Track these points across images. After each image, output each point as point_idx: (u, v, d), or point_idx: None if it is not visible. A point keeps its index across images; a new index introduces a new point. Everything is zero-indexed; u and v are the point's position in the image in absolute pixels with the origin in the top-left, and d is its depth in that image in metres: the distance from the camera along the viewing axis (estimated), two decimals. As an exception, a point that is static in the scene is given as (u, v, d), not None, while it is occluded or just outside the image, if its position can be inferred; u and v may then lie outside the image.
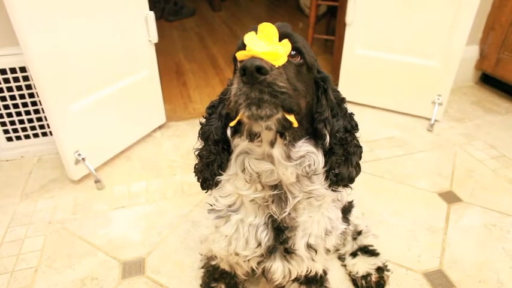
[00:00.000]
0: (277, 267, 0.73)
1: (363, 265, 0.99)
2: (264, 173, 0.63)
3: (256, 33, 0.55)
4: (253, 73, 0.49)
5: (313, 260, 0.73)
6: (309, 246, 0.71)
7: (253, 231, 0.70)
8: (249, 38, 0.54)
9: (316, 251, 0.72)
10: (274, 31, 0.55)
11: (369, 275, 0.98)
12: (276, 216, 0.67)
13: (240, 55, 0.53)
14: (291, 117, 0.54)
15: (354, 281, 1.00)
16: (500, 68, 1.91)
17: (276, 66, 0.52)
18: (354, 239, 1.03)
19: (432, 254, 1.07)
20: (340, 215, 0.75)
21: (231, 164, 0.67)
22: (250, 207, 0.68)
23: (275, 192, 0.65)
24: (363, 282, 0.97)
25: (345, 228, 0.79)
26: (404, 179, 1.38)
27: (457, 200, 1.27)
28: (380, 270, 0.99)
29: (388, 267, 1.00)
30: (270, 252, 0.71)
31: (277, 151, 0.61)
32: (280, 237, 0.69)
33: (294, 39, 0.59)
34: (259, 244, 0.70)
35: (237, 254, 0.73)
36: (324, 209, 0.71)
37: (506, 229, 1.16)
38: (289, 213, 0.67)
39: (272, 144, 0.61)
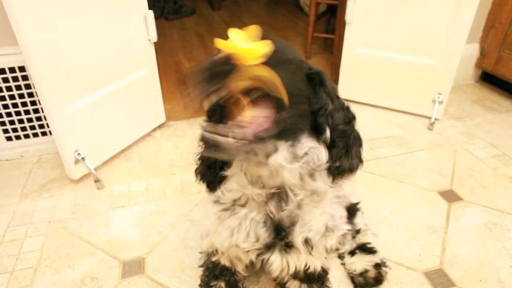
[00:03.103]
0: (275, 259, 0.73)
1: (360, 263, 1.00)
2: (264, 177, 0.63)
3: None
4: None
5: (311, 254, 0.73)
6: (308, 241, 0.71)
7: (254, 226, 0.70)
8: (234, 32, 0.54)
9: (312, 247, 0.72)
10: (258, 32, 0.54)
11: (366, 271, 0.98)
12: (272, 216, 0.67)
13: (222, 44, 0.53)
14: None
15: (352, 279, 1.00)
16: (501, 66, 1.90)
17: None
18: (353, 237, 1.04)
19: (432, 253, 1.07)
20: (344, 213, 0.75)
21: (234, 164, 0.67)
22: (253, 203, 0.69)
23: (275, 190, 0.65)
24: (360, 279, 0.97)
25: (348, 230, 0.79)
26: (405, 177, 1.37)
27: (458, 198, 1.27)
28: (378, 266, 0.98)
29: (386, 264, 1.00)
30: (268, 247, 0.72)
31: (275, 156, 0.59)
32: (280, 234, 0.69)
33: (275, 41, 0.58)
34: (258, 239, 0.70)
35: (237, 246, 0.73)
36: (326, 204, 0.70)
37: (507, 228, 1.15)
38: (291, 211, 0.67)
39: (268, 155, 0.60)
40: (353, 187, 0.94)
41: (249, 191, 0.66)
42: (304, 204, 0.67)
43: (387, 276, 0.99)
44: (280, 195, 0.66)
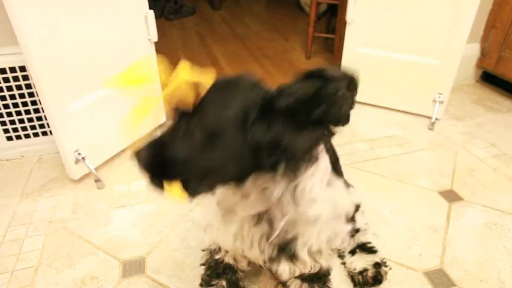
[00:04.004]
0: (284, 269, 0.72)
1: (360, 262, 1.00)
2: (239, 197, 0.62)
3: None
4: None
5: (317, 261, 0.73)
6: (312, 252, 0.70)
7: (257, 238, 0.68)
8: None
9: (321, 253, 0.71)
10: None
11: (365, 270, 0.98)
12: (268, 236, 0.66)
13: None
14: None
15: (352, 277, 1.00)
16: (502, 66, 1.90)
17: None
18: (352, 236, 1.03)
19: (433, 253, 1.07)
20: (343, 220, 0.73)
21: None
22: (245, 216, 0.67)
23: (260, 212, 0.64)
24: (359, 277, 0.97)
25: (351, 227, 0.77)
26: (405, 177, 1.37)
27: (458, 198, 1.27)
28: (377, 265, 0.98)
29: (386, 264, 1.00)
30: (273, 260, 0.71)
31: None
32: (284, 249, 0.68)
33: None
34: (263, 252, 0.69)
35: (243, 251, 0.73)
36: (325, 220, 0.67)
37: (507, 228, 1.15)
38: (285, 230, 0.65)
39: None
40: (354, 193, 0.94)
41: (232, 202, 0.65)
42: (299, 223, 0.65)
43: (387, 276, 0.99)
44: (266, 216, 0.64)
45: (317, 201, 0.62)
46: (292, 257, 0.70)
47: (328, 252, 0.76)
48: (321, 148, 0.61)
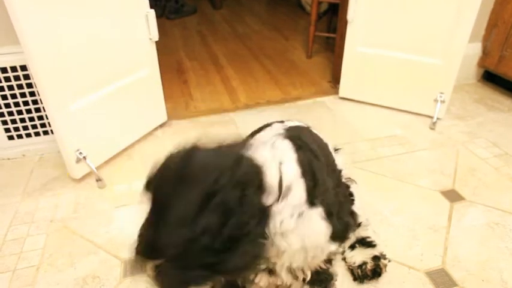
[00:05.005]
0: (261, 279, 0.73)
1: (359, 256, 1.00)
2: None
3: None
4: None
5: (295, 279, 0.73)
6: (291, 270, 0.71)
7: None
8: None
9: (296, 273, 0.72)
10: None
11: (364, 263, 0.98)
12: None
13: None
14: None
15: (352, 271, 1.00)
16: (503, 65, 1.89)
17: None
18: (353, 230, 1.03)
19: (434, 252, 1.07)
20: (327, 242, 0.73)
21: None
22: None
23: None
24: (359, 271, 0.98)
25: (336, 249, 0.76)
26: (406, 177, 1.37)
27: (460, 198, 1.27)
28: (376, 258, 0.99)
29: (386, 256, 1.00)
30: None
31: None
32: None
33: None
34: None
35: None
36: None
37: (509, 227, 1.15)
38: None
39: None
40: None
41: None
42: (272, 256, 0.66)
43: (386, 268, 0.99)
44: None
45: (288, 235, 0.62)
46: (270, 272, 0.71)
47: (310, 267, 0.75)
48: (295, 175, 0.62)
